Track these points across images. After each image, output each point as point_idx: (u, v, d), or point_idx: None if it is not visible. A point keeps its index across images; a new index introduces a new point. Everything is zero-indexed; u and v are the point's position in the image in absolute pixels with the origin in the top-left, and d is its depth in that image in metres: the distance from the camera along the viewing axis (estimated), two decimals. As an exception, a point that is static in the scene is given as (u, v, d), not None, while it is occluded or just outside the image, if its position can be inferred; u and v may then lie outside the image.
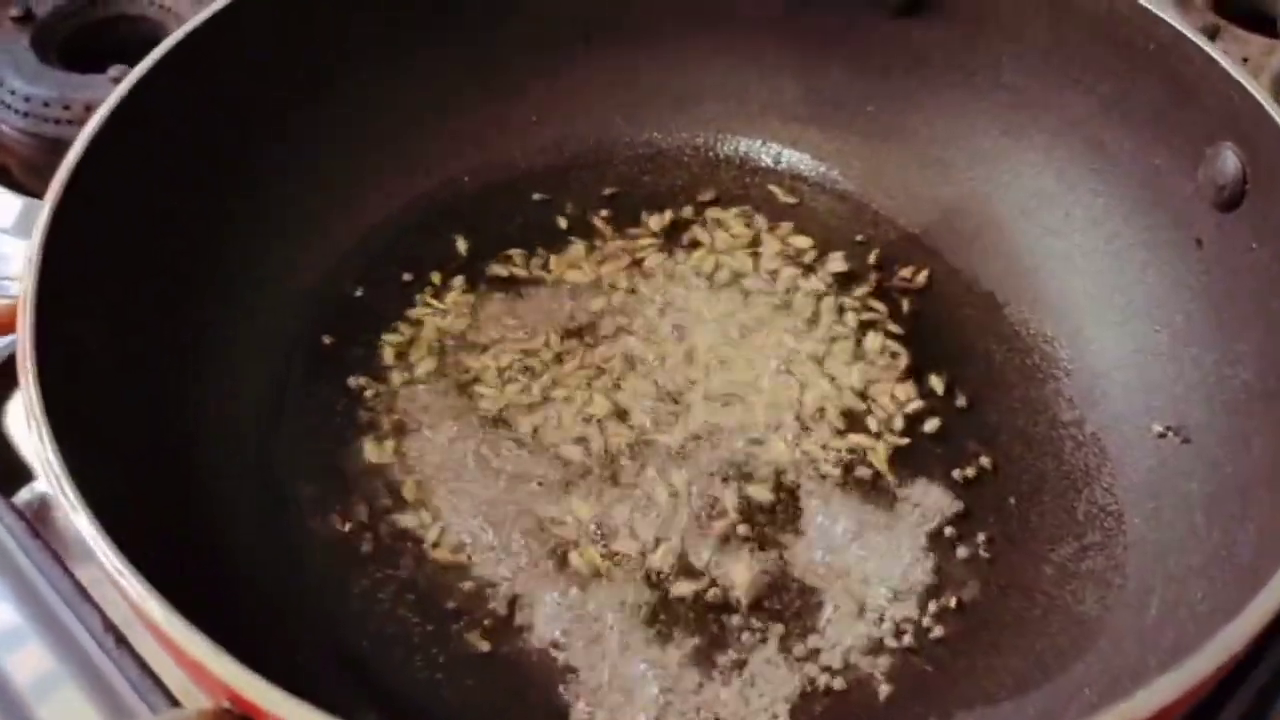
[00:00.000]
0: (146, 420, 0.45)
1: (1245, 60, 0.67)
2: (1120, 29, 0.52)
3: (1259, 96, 0.47)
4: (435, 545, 0.49)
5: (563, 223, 0.60)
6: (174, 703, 0.45)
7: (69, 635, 0.50)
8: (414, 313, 0.57)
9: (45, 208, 0.44)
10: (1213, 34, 0.73)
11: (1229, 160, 0.49)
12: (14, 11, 0.75)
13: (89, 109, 0.70)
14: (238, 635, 0.33)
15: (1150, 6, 0.50)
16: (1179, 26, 0.49)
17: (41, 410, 0.38)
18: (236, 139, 0.53)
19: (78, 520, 0.35)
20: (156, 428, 0.46)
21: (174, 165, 0.50)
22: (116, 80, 0.69)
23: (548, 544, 0.49)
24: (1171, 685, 0.31)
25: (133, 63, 0.68)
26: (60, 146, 0.69)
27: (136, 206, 0.48)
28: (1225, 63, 0.48)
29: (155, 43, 0.72)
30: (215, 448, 0.49)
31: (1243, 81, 0.47)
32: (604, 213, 0.61)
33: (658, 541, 0.49)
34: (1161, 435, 0.50)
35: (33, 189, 0.72)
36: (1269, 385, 0.46)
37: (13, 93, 0.72)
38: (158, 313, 0.49)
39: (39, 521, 0.54)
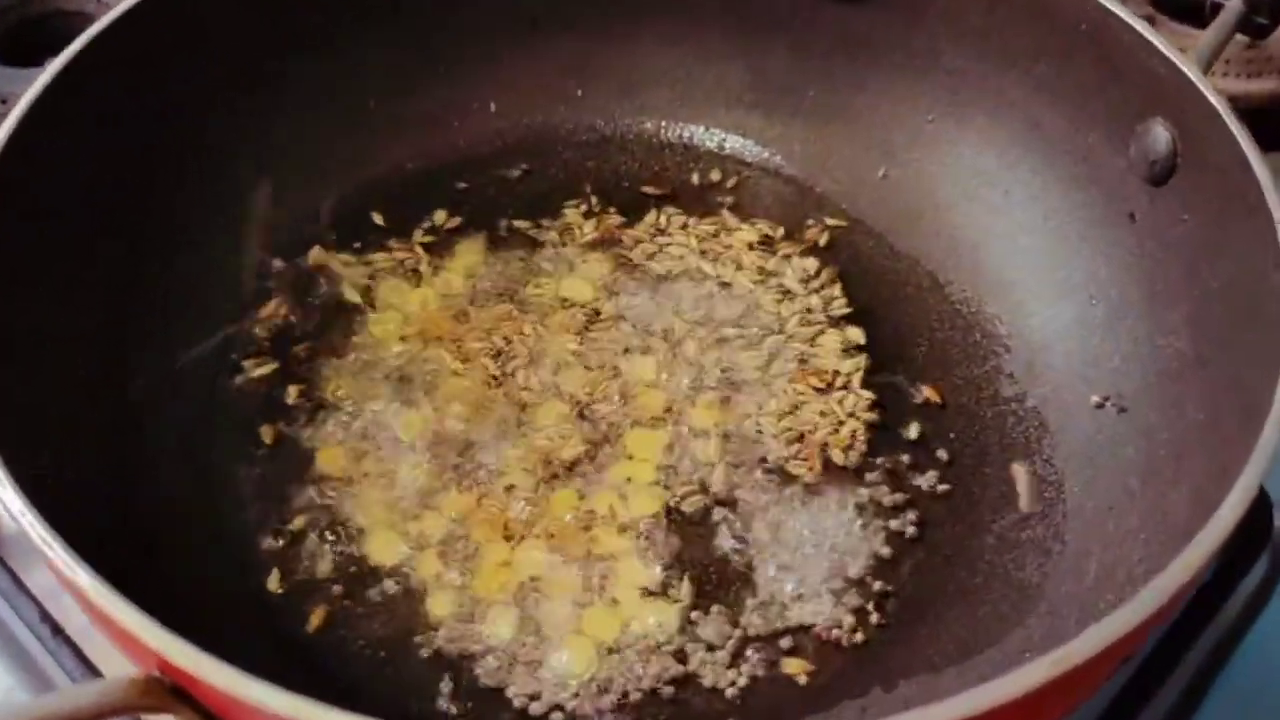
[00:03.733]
0: (79, 401, 0.45)
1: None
2: (1053, 10, 0.53)
3: (1187, 71, 0.48)
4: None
5: (506, 209, 0.61)
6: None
7: (6, 629, 0.51)
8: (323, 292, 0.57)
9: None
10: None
11: (1160, 136, 0.50)
12: (-54, 8, 0.75)
13: (27, 104, 0.70)
14: (169, 608, 0.33)
15: None
16: (1109, 5, 0.50)
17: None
18: (171, 123, 0.53)
19: (4, 496, 0.35)
20: (90, 408, 0.46)
21: (104, 148, 0.50)
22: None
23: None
24: (1098, 637, 0.32)
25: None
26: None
27: (66, 189, 0.48)
28: (1153, 39, 0.49)
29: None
30: (149, 429, 0.49)
31: (1171, 57, 0.48)
32: (551, 205, 0.61)
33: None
34: (1099, 405, 0.51)
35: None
36: (1201, 352, 0.46)
37: (-54, 90, 0.71)
38: (93, 292, 0.49)
39: None
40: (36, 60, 0.72)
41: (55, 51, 0.70)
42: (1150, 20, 0.75)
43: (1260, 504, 0.53)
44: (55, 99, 0.47)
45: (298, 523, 0.49)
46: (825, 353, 0.56)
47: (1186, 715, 0.50)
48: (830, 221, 0.61)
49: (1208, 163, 0.47)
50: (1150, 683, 0.47)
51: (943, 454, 0.52)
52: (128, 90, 0.50)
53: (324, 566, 0.48)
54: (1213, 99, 0.47)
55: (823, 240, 0.60)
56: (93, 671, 0.46)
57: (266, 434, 0.52)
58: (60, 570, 0.33)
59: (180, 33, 0.52)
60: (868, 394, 0.54)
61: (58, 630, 0.48)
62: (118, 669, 0.40)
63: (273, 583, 0.48)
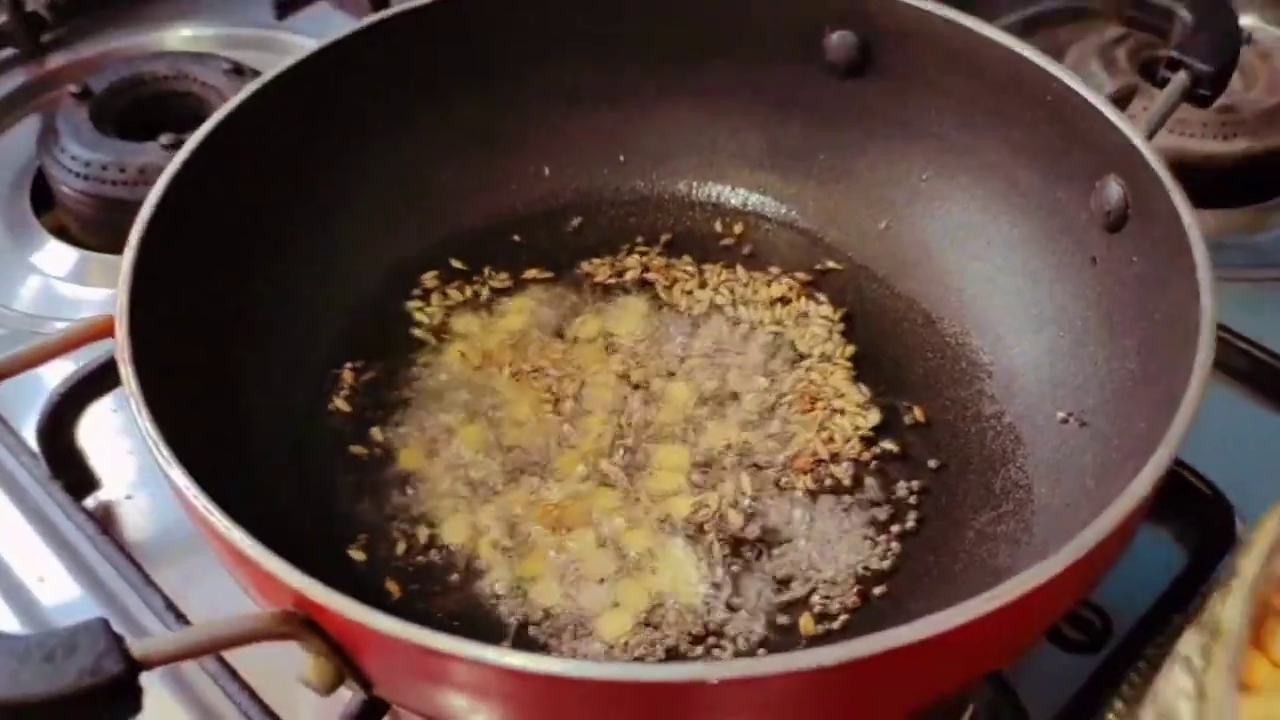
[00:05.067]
0: (217, 412, 0.55)
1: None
2: (1022, 83, 0.61)
3: (1133, 136, 0.56)
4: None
5: (558, 259, 0.71)
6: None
7: (135, 620, 0.59)
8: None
9: (131, 243, 0.53)
10: (1131, 92, 0.84)
11: (1114, 190, 0.58)
12: (73, 88, 0.86)
13: (142, 172, 0.81)
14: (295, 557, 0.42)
15: (1041, 62, 0.60)
16: (1067, 80, 0.59)
17: (140, 394, 0.47)
18: (274, 193, 0.63)
19: (173, 474, 0.45)
20: (225, 417, 0.56)
21: (224, 215, 0.60)
22: (166, 146, 0.81)
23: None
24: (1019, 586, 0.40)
25: (179, 133, 0.79)
26: (115, 206, 0.81)
27: (196, 246, 0.58)
28: (1104, 108, 0.58)
29: (198, 115, 0.83)
30: (266, 433, 0.59)
31: (1119, 124, 0.57)
32: (598, 254, 0.71)
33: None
34: (1064, 420, 0.59)
35: (87, 243, 0.82)
36: (1148, 372, 0.54)
37: (74, 158, 0.81)
38: (220, 331, 0.59)
39: (105, 523, 0.63)
40: (149, 135, 0.82)
41: (165, 127, 0.82)
42: (1134, 89, 0.84)
43: (1222, 510, 0.61)
44: (188, 176, 0.57)
45: (383, 509, 0.59)
46: (833, 379, 0.64)
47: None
48: (838, 267, 0.70)
49: (1151, 213, 0.55)
50: (1114, 675, 0.54)
51: (932, 463, 0.61)
52: (245, 166, 0.60)
53: (401, 546, 0.57)
54: (1153, 160, 0.55)
55: (832, 283, 0.69)
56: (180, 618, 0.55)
57: (357, 437, 0.62)
58: (219, 531, 0.42)
59: (276, 121, 0.62)
60: (870, 414, 0.63)
61: (180, 617, 0.57)
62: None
63: (357, 554, 0.57)
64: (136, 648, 0.37)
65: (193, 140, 0.58)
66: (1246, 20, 0.99)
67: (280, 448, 0.59)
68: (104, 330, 0.50)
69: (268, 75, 0.62)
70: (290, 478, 0.59)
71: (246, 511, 0.44)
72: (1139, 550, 0.55)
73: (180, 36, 0.99)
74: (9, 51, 0.96)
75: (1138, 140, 0.56)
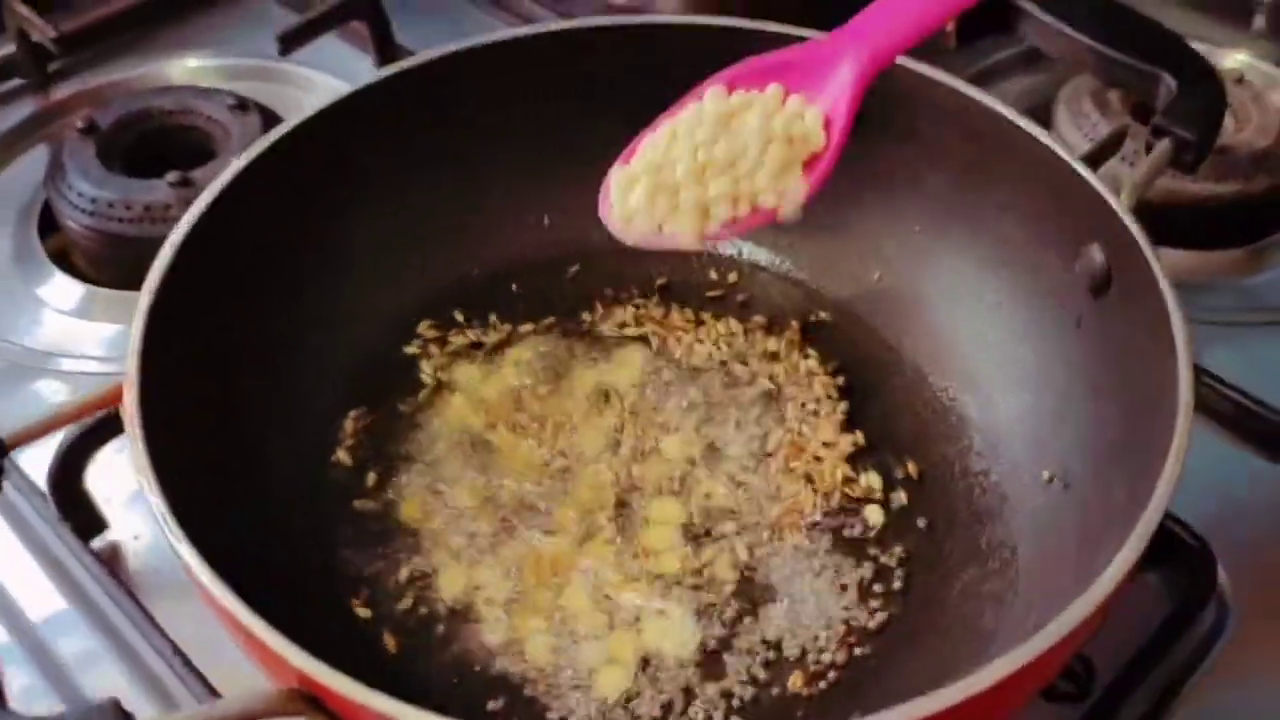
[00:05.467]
0: (224, 465, 0.57)
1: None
2: (1014, 148, 0.63)
3: (1113, 203, 0.58)
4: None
5: (557, 307, 0.73)
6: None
7: (139, 658, 0.60)
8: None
9: (144, 297, 0.56)
10: (1122, 134, 0.85)
11: (1097, 255, 0.60)
12: (80, 123, 0.88)
13: (148, 209, 0.82)
14: (300, 634, 0.44)
15: (1031, 129, 0.62)
16: (1055, 147, 0.61)
17: (149, 465, 0.49)
18: (282, 246, 0.65)
19: (182, 550, 0.47)
20: (232, 471, 0.58)
21: (239, 262, 0.62)
22: (173, 184, 0.82)
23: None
24: (999, 670, 0.42)
25: (184, 167, 0.81)
26: (121, 242, 0.82)
27: (208, 296, 0.60)
28: (1089, 176, 0.60)
29: (203, 149, 0.85)
30: (280, 489, 0.61)
31: (1100, 191, 0.59)
32: (597, 302, 0.73)
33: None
34: (1049, 481, 0.61)
35: (93, 277, 0.83)
36: (1128, 441, 0.55)
37: (80, 195, 0.83)
38: (229, 380, 0.61)
39: (112, 563, 0.65)
40: (154, 169, 0.84)
41: (170, 160, 0.83)
42: (1125, 130, 0.85)
43: (1204, 558, 0.63)
44: (206, 221, 0.59)
45: (383, 563, 0.61)
46: (824, 434, 0.66)
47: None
48: (830, 318, 0.72)
49: (1133, 283, 0.57)
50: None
51: (920, 521, 0.63)
52: (255, 219, 0.63)
53: (400, 601, 0.59)
54: (1133, 229, 0.57)
55: (825, 334, 0.71)
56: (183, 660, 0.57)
57: (359, 490, 0.64)
58: (228, 610, 0.44)
59: (292, 178, 0.64)
60: (861, 470, 0.65)
61: (186, 661, 0.59)
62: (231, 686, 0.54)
63: (360, 609, 0.59)
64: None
65: (206, 195, 0.60)
66: (1240, 57, 1.01)
67: (285, 501, 0.61)
68: (116, 399, 0.52)
69: (279, 130, 0.64)
70: (294, 531, 0.61)
71: (252, 570, 0.47)
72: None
73: (185, 67, 1.00)
74: (16, 82, 0.97)
75: (1120, 210, 0.58)
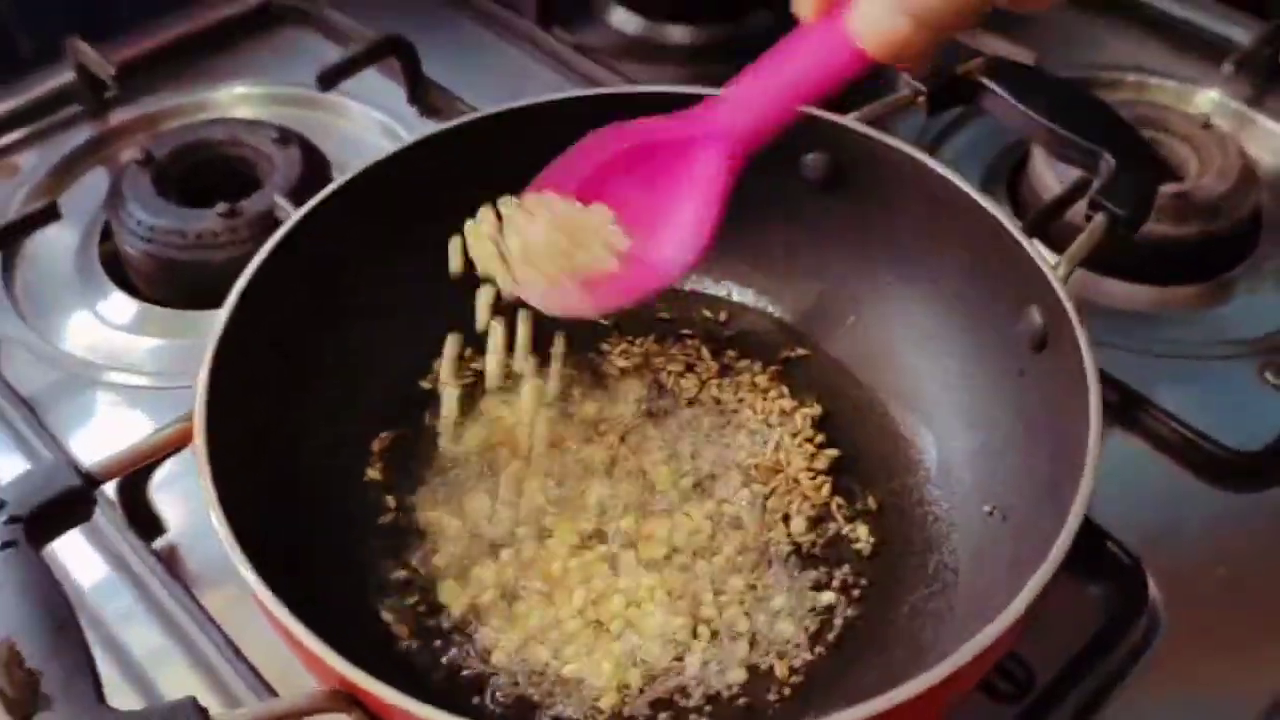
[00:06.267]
0: (270, 488, 0.66)
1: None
2: (969, 215, 0.70)
3: (1048, 275, 0.66)
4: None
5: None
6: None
7: (200, 651, 0.67)
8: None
9: (209, 347, 0.64)
10: (1086, 182, 0.93)
11: (1036, 317, 0.67)
12: (136, 155, 0.98)
13: (199, 238, 0.92)
14: (336, 637, 0.53)
15: (979, 199, 0.69)
16: (999, 217, 0.69)
17: (216, 499, 0.58)
18: (336, 285, 0.73)
19: (245, 574, 0.55)
20: (277, 493, 0.67)
21: (291, 305, 0.71)
22: (222, 215, 0.92)
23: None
24: (919, 685, 0.52)
25: (231, 197, 0.90)
26: (174, 266, 0.92)
27: (265, 339, 0.69)
28: (1027, 246, 0.67)
29: (250, 177, 0.94)
30: (313, 504, 0.70)
31: (1036, 261, 0.66)
32: (593, 340, 0.81)
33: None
34: (989, 513, 0.69)
35: (147, 295, 0.93)
36: (1056, 479, 0.62)
37: (139, 223, 0.92)
38: (280, 412, 0.70)
39: (171, 563, 0.71)
40: (205, 197, 0.93)
41: (221, 189, 0.93)
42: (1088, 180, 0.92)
43: (1136, 576, 0.72)
44: (255, 283, 0.68)
45: (406, 571, 0.71)
46: (798, 462, 0.75)
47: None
48: (809, 354, 0.81)
49: (1062, 344, 0.64)
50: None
51: (877, 543, 0.71)
52: (306, 265, 0.71)
53: (420, 606, 0.69)
54: (1063, 298, 0.64)
55: (805, 371, 0.80)
56: (268, 688, 0.63)
57: (385, 506, 0.73)
58: (284, 624, 0.53)
59: (339, 228, 0.73)
60: (828, 495, 0.74)
61: (239, 653, 0.68)
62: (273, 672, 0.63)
63: (387, 614, 0.69)
64: (219, 725, 0.48)
65: (264, 250, 0.69)
66: (1210, 94, 1.08)
67: (324, 517, 0.70)
68: (186, 439, 0.62)
69: (335, 184, 0.73)
70: (332, 543, 0.70)
71: (296, 581, 0.55)
72: (1064, 606, 0.68)
73: (231, 94, 1.09)
74: (75, 109, 1.07)
75: (1053, 281, 0.66)
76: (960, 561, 0.69)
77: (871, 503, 0.73)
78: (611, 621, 0.68)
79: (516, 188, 0.68)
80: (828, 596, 0.69)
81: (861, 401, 0.78)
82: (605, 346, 0.81)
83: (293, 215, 0.71)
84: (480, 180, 0.68)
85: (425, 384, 0.79)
